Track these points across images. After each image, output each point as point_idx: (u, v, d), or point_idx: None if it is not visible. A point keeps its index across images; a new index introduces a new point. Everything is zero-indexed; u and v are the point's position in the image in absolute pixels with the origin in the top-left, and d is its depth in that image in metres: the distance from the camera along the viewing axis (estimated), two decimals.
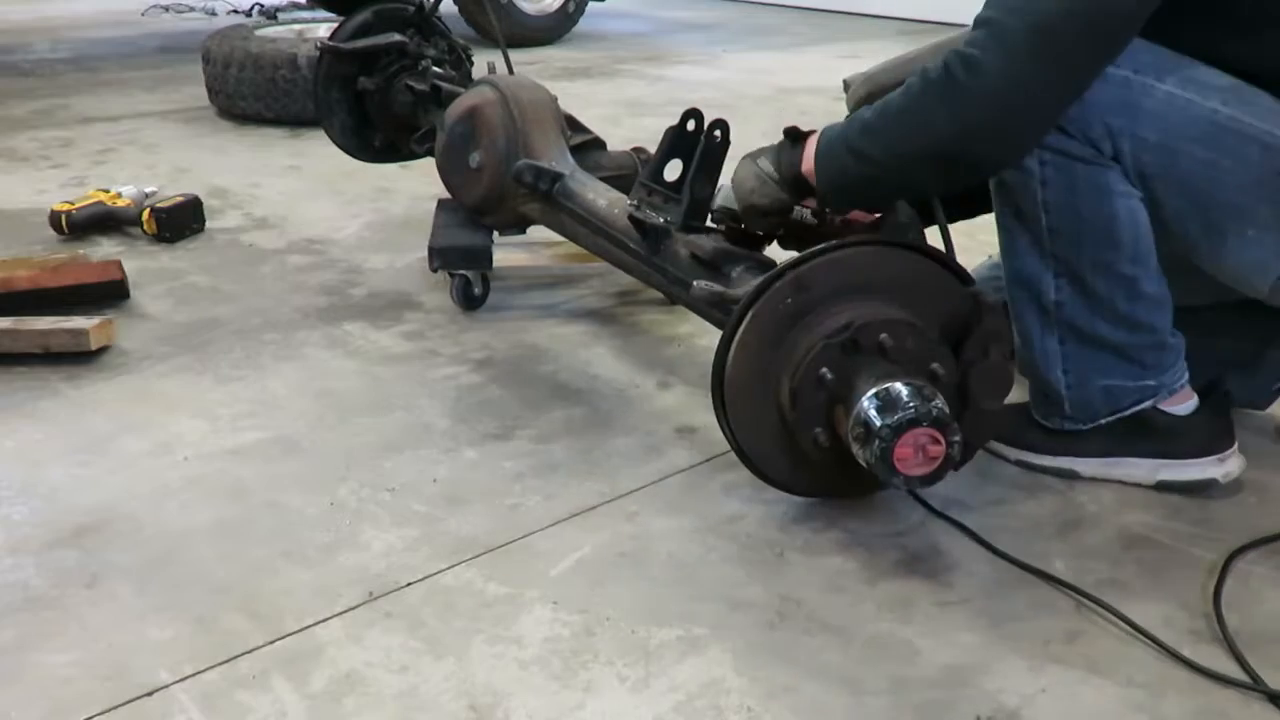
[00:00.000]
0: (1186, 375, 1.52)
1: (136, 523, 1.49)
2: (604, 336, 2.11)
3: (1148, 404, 1.51)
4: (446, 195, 2.26)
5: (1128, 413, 1.51)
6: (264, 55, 3.79)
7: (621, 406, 1.83)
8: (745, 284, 1.50)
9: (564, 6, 5.84)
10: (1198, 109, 1.33)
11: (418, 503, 1.54)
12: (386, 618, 1.30)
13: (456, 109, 2.14)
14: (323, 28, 4.31)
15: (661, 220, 1.71)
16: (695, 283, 1.56)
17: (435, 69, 2.44)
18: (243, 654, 1.23)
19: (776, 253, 1.60)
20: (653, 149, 1.80)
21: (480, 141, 2.07)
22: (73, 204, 2.67)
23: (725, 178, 1.67)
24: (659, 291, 1.84)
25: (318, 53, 2.47)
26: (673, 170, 1.74)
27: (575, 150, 2.10)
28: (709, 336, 1.91)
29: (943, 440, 1.24)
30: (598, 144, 2.20)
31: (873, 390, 1.26)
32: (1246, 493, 1.54)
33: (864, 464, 1.28)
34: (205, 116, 4.02)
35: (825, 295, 1.36)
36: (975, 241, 1.83)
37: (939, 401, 1.26)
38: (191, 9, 6.76)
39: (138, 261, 2.47)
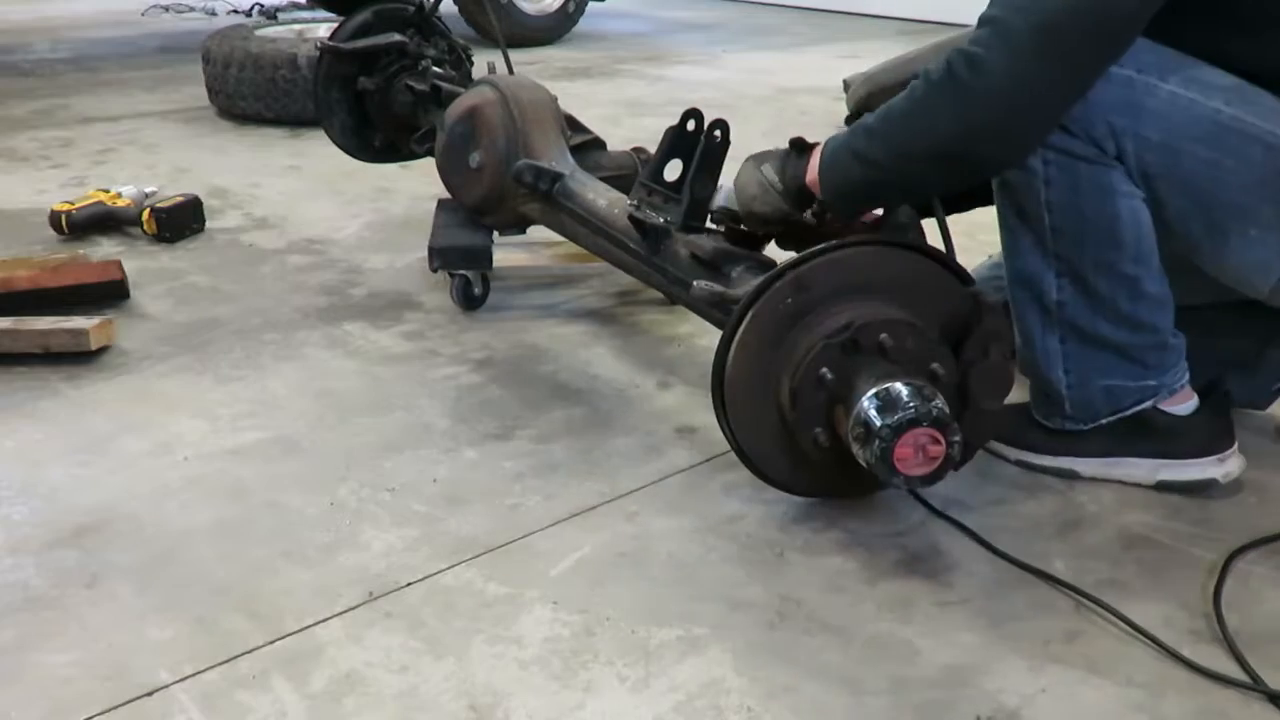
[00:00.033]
0: (1187, 375, 1.52)
1: (136, 523, 1.49)
2: (604, 336, 2.11)
3: (1148, 404, 1.51)
4: (446, 195, 2.26)
5: (1128, 413, 1.51)
6: (264, 55, 3.78)
7: (621, 406, 1.83)
8: (745, 284, 1.50)
9: (564, 6, 5.84)
10: (1201, 109, 1.33)
11: (418, 503, 1.54)
12: (386, 618, 1.30)
13: (456, 109, 2.14)
14: (323, 28, 4.30)
15: (661, 220, 1.71)
16: (695, 283, 1.56)
17: (435, 69, 2.44)
18: (243, 654, 1.23)
19: (776, 253, 1.60)
20: (653, 149, 1.80)
21: (480, 141, 2.07)
22: (73, 204, 2.67)
23: (725, 178, 1.67)
24: (659, 291, 1.83)
25: (318, 53, 2.47)
26: (673, 170, 1.73)
27: (575, 150, 2.10)
28: (709, 336, 1.91)
29: (943, 440, 1.24)
30: (598, 144, 2.20)
31: (873, 390, 1.26)
32: (1246, 493, 1.54)
33: (864, 464, 1.28)
34: (205, 116, 4.02)
35: (825, 295, 1.36)
36: (975, 241, 1.83)
37: (939, 401, 1.26)
38: (191, 9, 6.76)
39: (138, 261, 2.47)
